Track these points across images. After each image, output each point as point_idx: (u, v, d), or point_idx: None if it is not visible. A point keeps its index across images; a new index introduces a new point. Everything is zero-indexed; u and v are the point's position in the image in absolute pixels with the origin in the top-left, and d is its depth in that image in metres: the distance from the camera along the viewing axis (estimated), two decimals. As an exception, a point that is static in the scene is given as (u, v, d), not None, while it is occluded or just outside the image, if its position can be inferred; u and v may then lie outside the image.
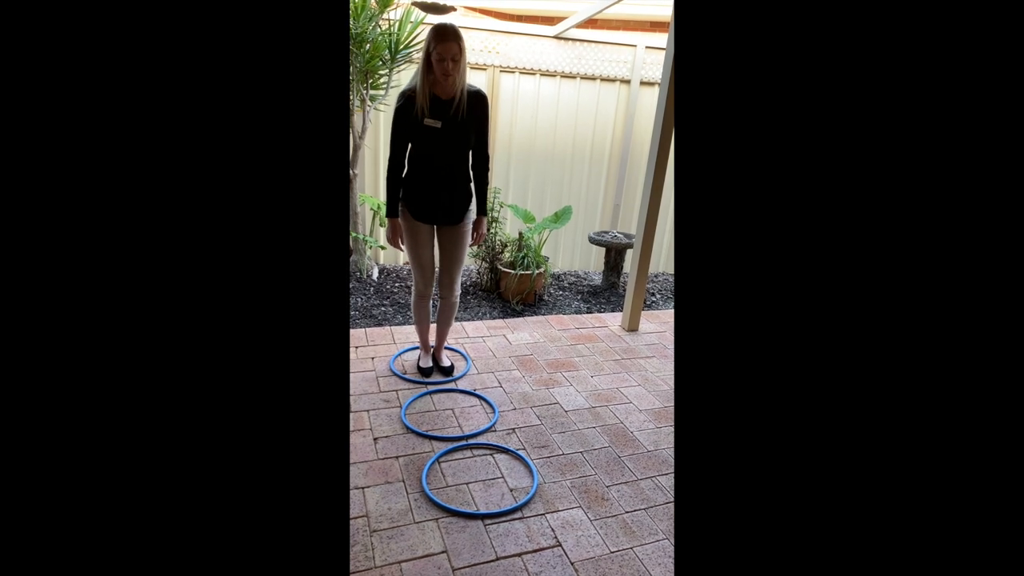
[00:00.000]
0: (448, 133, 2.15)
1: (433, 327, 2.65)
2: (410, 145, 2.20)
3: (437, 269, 2.48)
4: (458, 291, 2.52)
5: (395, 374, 2.60)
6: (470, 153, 2.27)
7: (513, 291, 3.70)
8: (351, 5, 3.17)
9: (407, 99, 2.12)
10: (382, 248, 4.19)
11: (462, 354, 2.89)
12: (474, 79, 4.00)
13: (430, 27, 2.03)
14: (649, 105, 4.42)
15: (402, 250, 2.39)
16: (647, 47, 4.33)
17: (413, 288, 2.49)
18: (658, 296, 4.30)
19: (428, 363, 2.64)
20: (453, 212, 2.29)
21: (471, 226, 2.38)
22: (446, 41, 1.97)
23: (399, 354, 2.79)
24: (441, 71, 2.01)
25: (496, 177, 4.33)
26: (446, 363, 2.66)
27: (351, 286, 3.73)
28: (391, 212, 2.29)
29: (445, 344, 2.72)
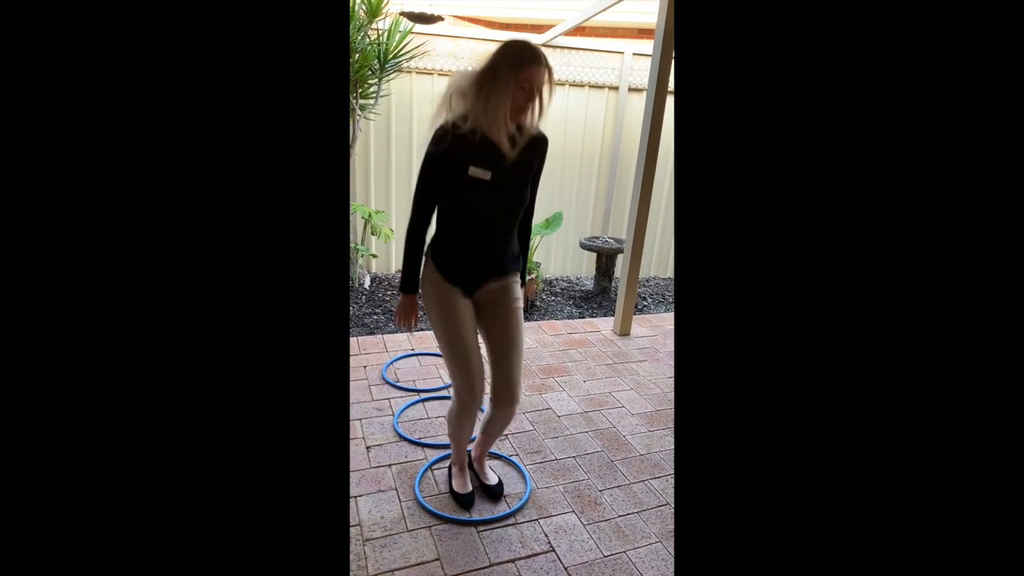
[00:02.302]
0: (499, 188, 1.52)
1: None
2: (440, 201, 1.57)
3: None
4: (521, 395, 1.72)
5: (387, 382, 2.60)
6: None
7: (505, 297, 3.70)
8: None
9: (452, 138, 1.45)
10: (374, 256, 4.19)
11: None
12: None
13: (506, 48, 1.43)
14: (637, 111, 4.45)
15: (410, 331, 1.70)
16: (634, 54, 4.38)
17: (453, 395, 1.70)
18: (649, 300, 4.32)
19: (468, 487, 1.86)
20: (497, 267, 1.64)
21: (521, 290, 1.71)
22: (536, 64, 1.39)
23: (391, 363, 2.79)
24: (519, 105, 1.43)
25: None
26: (492, 480, 1.91)
27: (343, 295, 3.72)
28: (407, 287, 1.60)
29: (490, 449, 1.95)
